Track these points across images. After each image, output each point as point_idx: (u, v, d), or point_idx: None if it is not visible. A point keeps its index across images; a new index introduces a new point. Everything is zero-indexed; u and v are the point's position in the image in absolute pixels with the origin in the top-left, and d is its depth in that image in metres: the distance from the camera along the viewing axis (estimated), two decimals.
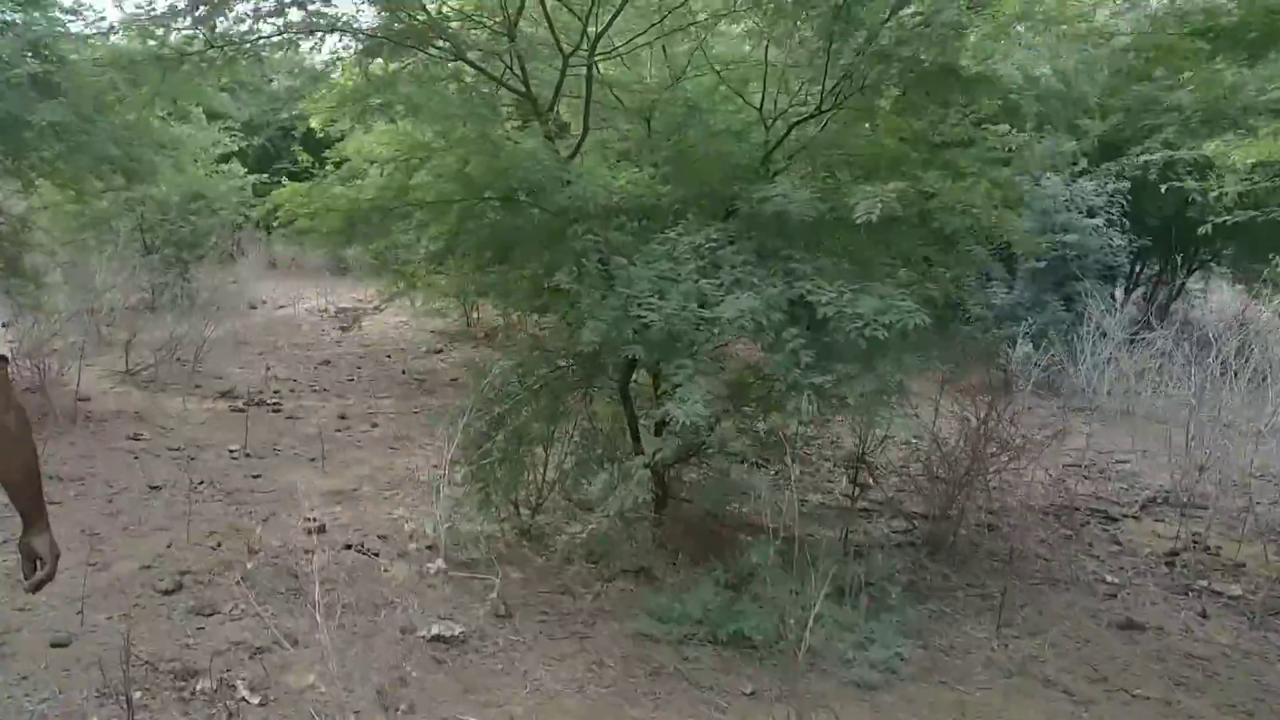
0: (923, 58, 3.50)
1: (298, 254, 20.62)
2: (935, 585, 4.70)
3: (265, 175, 14.21)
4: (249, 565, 4.22)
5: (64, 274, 9.32)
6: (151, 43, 4.53)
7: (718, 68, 4.65)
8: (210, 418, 7.43)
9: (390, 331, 13.06)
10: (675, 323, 3.30)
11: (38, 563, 2.02)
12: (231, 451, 6.37)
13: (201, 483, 5.55)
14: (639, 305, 3.39)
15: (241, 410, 7.72)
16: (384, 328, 13.34)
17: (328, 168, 10.37)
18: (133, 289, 10.76)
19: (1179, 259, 13.99)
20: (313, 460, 6.30)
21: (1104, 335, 9.61)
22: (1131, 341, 9.63)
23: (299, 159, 11.09)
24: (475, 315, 13.33)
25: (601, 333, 3.37)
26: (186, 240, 12.68)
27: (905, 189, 3.43)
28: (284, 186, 9.21)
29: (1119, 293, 12.15)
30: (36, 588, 2.02)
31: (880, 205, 3.30)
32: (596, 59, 4.18)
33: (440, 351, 11.51)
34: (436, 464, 6.30)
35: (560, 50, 4.13)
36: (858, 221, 3.30)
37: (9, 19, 7.23)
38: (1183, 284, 14.83)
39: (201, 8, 3.90)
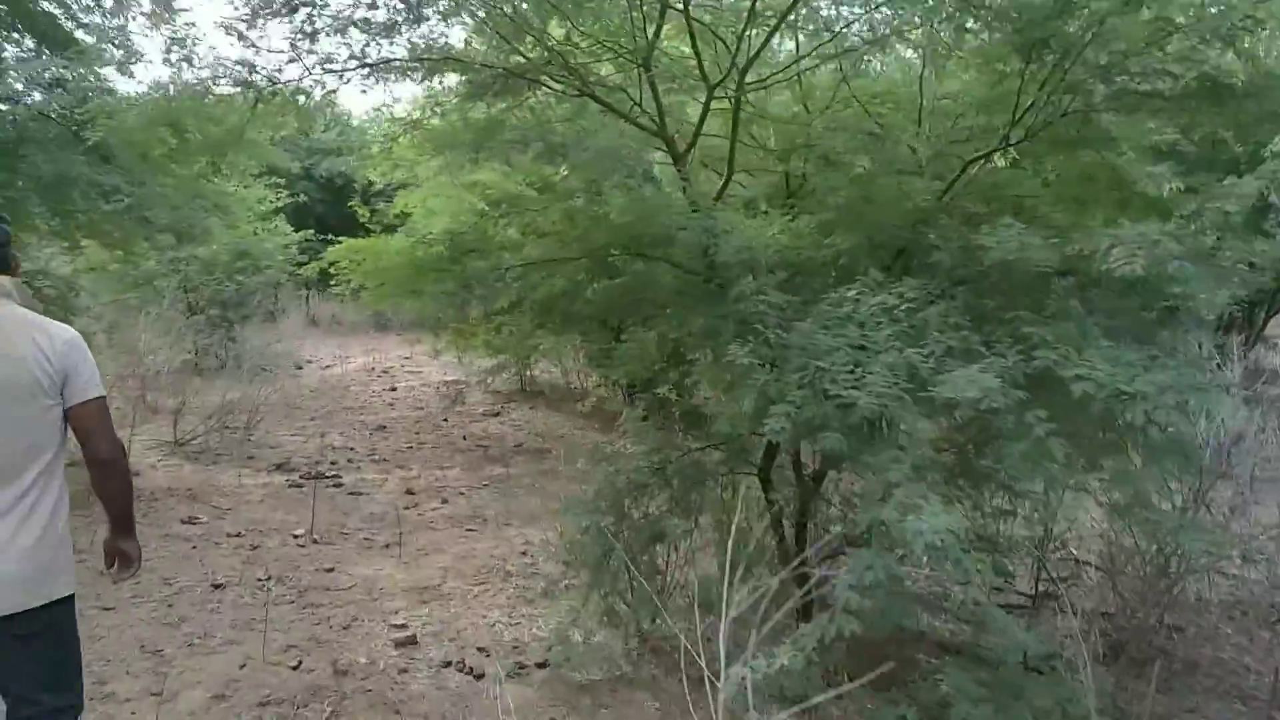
0: (1174, 71, 2.87)
1: (337, 310, 20.28)
2: (1146, 712, 3.92)
3: (313, 232, 13.87)
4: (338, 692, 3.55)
5: (108, 337, 8.85)
6: (226, 90, 4.00)
7: (862, 99, 4.05)
8: (268, 495, 6.81)
9: (440, 390, 12.49)
10: (888, 404, 2.64)
11: (118, 560, 2.39)
12: (296, 537, 5.73)
13: (269, 578, 4.90)
14: (834, 381, 2.73)
15: (300, 485, 7.11)
16: (430, 388, 12.79)
17: (389, 223, 9.90)
18: (178, 351, 10.26)
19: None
20: (386, 547, 5.64)
21: (1227, 391, 8.82)
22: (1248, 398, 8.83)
23: (361, 214, 10.64)
24: (529, 374, 12.79)
25: (792, 416, 2.71)
26: (232, 300, 12.24)
27: (1176, 231, 2.75)
28: (338, 243, 8.76)
29: (1208, 342, 11.33)
30: (119, 580, 2.44)
31: (1140, 251, 2.64)
32: (747, 88, 3.57)
33: (498, 414, 10.89)
34: (524, 551, 5.65)
35: (705, 79, 3.53)
36: (1117, 272, 2.64)
37: (59, 74, 6.78)
38: (1262, 328, 13.96)
39: (301, 35, 3.35)
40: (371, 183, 10.43)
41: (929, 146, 3.89)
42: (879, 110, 4.02)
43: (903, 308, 3.02)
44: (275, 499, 6.73)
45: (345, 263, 9.11)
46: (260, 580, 4.86)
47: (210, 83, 3.97)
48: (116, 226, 7.26)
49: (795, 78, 3.87)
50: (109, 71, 7.07)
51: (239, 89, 3.64)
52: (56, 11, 6.63)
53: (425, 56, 3.45)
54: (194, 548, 5.32)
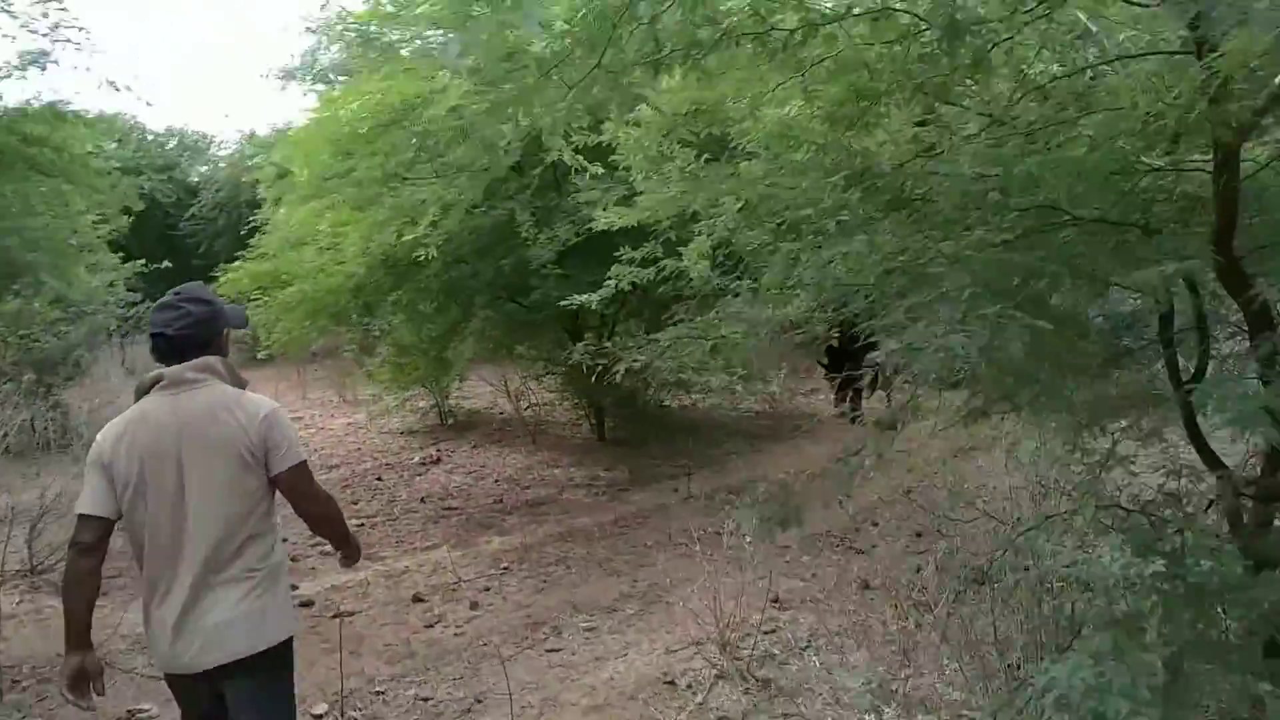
0: None
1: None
2: None
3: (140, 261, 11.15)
4: None
5: None
6: None
7: None
8: None
9: (345, 439, 10.25)
10: None
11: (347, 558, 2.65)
12: (318, 718, 3.69)
13: None
14: None
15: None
16: (331, 436, 10.49)
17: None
18: None
19: None
20: (471, 707, 3.71)
21: None
22: None
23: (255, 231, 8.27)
24: (447, 405, 10.75)
25: None
26: (53, 357, 9.41)
27: None
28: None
29: None
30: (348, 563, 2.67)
31: None
32: None
33: (439, 460, 8.84)
34: (667, 678, 3.88)
35: None
36: None
37: None
38: None
39: None
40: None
41: None
42: None
43: None
44: None
45: (254, 290, 6.91)
46: None
47: None
48: None
49: None
50: None
51: None
52: None
53: None
54: None
